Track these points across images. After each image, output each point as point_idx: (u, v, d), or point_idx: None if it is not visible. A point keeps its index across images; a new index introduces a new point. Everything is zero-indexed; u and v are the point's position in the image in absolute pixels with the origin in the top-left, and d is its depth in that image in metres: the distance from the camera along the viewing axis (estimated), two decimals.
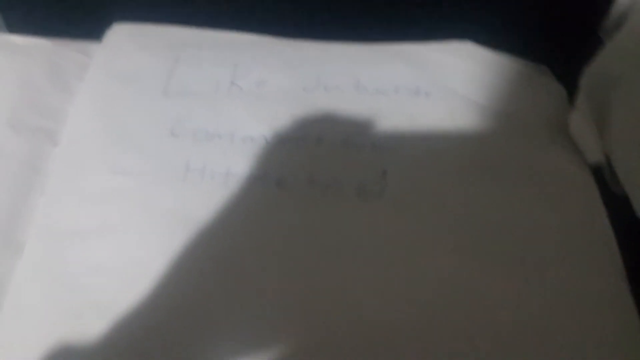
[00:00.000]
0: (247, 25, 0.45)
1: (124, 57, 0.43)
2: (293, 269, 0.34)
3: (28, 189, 0.38)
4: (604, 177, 0.36)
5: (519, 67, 0.42)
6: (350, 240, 0.34)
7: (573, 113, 0.38)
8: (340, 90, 0.41)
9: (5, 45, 0.43)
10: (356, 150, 0.38)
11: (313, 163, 0.37)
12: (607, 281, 0.32)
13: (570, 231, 0.34)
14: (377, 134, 0.39)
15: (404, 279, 0.33)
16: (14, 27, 0.46)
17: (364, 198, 0.36)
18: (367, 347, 0.31)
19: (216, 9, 0.45)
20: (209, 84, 0.42)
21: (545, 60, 0.43)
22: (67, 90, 0.42)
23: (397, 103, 0.40)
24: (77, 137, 0.39)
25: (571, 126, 0.38)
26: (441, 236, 0.34)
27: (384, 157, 0.37)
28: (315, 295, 0.33)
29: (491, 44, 0.43)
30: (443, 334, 0.31)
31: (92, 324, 0.32)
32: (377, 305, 0.32)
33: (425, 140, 0.38)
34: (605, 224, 0.34)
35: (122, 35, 0.44)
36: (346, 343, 0.31)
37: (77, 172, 0.38)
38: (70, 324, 0.32)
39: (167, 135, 0.39)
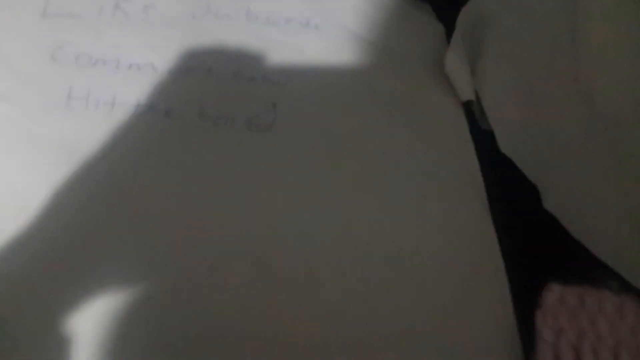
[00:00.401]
0: None
1: None
2: (180, 200, 0.34)
3: None
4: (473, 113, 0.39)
5: (403, 5, 0.44)
6: (240, 170, 0.35)
7: (448, 51, 0.41)
8: (231, 19, 0.41)
9: None
10: (247, 83, 0.38)
11: (203, 95, 0.38)
12: (471, 208, 0.36)
13: (442, 164, 0.37)
14: (267, 67, 0.39)
15: (290, 207, 0.34)
16: None
17: (254, 129, 0.37)
18: (250, 275, 0.32)
19: None
20: (91, 6, 0.40)
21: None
22: None
23: (288, 35, 0.41)
24: None
25: (446, 64, 0.40)
26: (326, 166, 0.36)
27: (274, 90, 0.38)
28: (203, 225, 0.34)
29: None
30: (325, 262, 0.33)
31: None
32: (261, 235, 0.34)
33: (313, 73, 0.39)
34: (473, 157, 0.37)
35: None
36: (232, 270, 0.32)
37: None
38: None
39: (47, 60, 0.37)
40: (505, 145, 0.36)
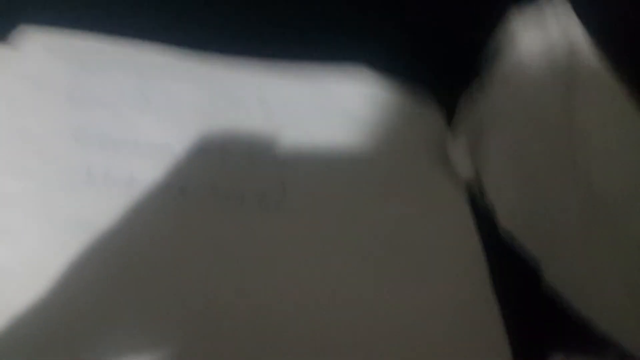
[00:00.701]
0: (153, 35, 0.46)
1: (30, 60, 0.43)
2: (192, 275, 0.35)
3: None
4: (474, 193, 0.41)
5: (405, 92, 0.47)
6: (250, 246, 0.37)
7: (450, 133, 0.43)
8: (244, 104, 0.44)
9: None
10: (258, 163, 0.41)
11: (216, 173, 0.40)
12: (473, 284, 0.37)
13: (444, 242, 0.39)
14: (277, 148, 0.42)
15: (299, 283, 0.36)
16: None
17: (264, 208, 0.38)
18: (259, 348, 0.33)
19: (124, 18, 0.46)
20: (114, 92, 0.43)
21: (430, 84, 0.47)
22: None
23: (298, 119, 0.44)
24: None
25: (448, 145, 0.42)
26: (333, 244, 0.38)
27: (283, 170, 0.40)
28: (213, 300, 0.35)
29: (381, 68, 0.47)
30: (332, 335, 0.34)
31: None
32: (269, 312, 0.35)
33: (321, 155, 0.42)
34: (473, 234, 0.39)
35: (29, 38, 0.44)
36: (241, 346, 0.33)
37: None
38: None
39: (69, 139, 0.40)
40: (505, 222, 0.38)
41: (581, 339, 0.32)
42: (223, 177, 0.40)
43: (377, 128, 0.44)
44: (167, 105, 0.43)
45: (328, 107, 0.45)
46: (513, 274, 0.36)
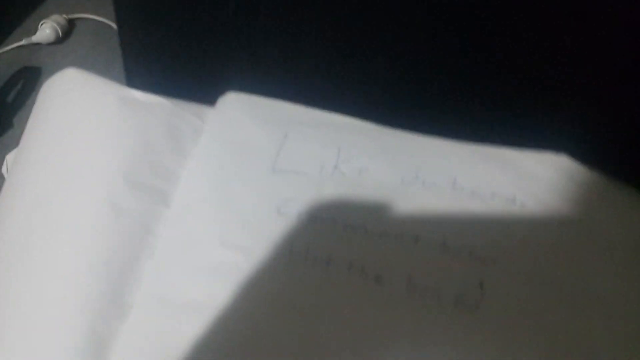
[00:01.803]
0: (352, 109, 0.47)
1: (236, 127, 0.45)
2: None
3: (139, 249, 0.40)
4: None
5: (612, 188, 0.44)
6: (445, 349, 0.36)
7: None
8: (438, 188, 0.43)
9: (127, 99, 0.46)
10: (454, 256, 0.40)
11: (411, 264, 0.39)
12: None
13: None
14: (474, 241, 0.40)
15: None
16: (133, 82, 0.48)
17: (461, 308, 0.37)
18: None
19: (324, 89, 0.48)
20: (314, 165, 0.44)
21: (637, 182, 0.44)
22: (181, 152, 0.44)
23: (494, 209, 0.42)
24: (189, 205, 0.41)
25: None
26: (534, 356, 0.36)
27: (481, 267, 0.39)
28: None
29: (584, 159, 0.45)
30: None
31: None
32: None
33: (521, 253, 0.40)
34: None
35: (235, 105, 0.47)
36: None
37: (188, 241, 0.40)
38: None
39: (274, 213, 0.41)
40: None
41: None
42: (418, 269, 0.39)
43: (581, 226, 0.41)
44: (362, 184, 0.43)
45: (526, 199, 0.43)
46: None
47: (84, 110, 0.45)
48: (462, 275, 0.39)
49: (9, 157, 0.59)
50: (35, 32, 0.77)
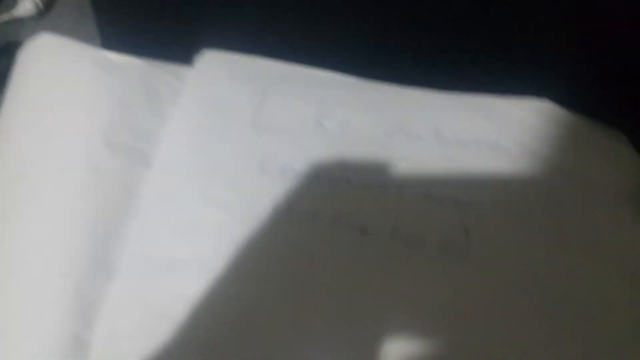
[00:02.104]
0: (330, 63, 0.47)
1: (215, 86, 0.45)
2: (366, 314, 0.35)
3: (122, 211, 0.39)
4: None
5: (596, 132, 0.43)
6: (430, 294, 0.36)
7: None
8: (420, 138, 0.43)
9: (103, 62, 0.45)
10: (438, 205, 0.39)
11: (396, 213, 0.39)
12: None
13: None
14: (458, 189, 0.40)
15: (486, 341, 0.34)
16: (109, 43, 0.47)
17: (446, 255, 0.37)
18: None
19: (303, 45, 0.47)
20: (295, 121, 0.43)
21: (622, 125, 0.44)
22: (159, 113, 0.44)
23: (478, 157, 0.42)
24: (169, 164, 0.41)
25: None
26: (523, 300, 0.36)
27: (465, 214, 0.39)
28: (384, 345, 0.34)
29: (568, 104, 0.44)
30: None
31: (180, 356, 0.34)
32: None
33: (506, 199, 0.40)
34: None
35: (213, 63, 0.46)
36: None
37: (169, 201, 0.39)
38: (160, 355, 0.34)
39: (256, 170, 0.41)
40: None
41: None
42: (403, 218, 0.39)
43: (566, 170, 0.41)
44: (345, 137, 0.43)
45: (510, 144, 0.42)
46: None
47: (60, 75, 0.45)
48: (446, 223, 0.39)
49: None
50: (14, 7, 0.76)
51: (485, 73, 0.46)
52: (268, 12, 0.46)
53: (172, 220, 0.39)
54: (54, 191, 0.39)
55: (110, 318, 0.35)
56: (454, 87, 0.45)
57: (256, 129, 0.43)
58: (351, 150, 0.42)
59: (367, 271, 0.37)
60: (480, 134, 0.43)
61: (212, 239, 0.38)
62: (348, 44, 0.46)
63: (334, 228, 0.38)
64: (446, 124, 0.43)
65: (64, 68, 0.45)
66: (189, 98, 0.44)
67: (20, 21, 0.76)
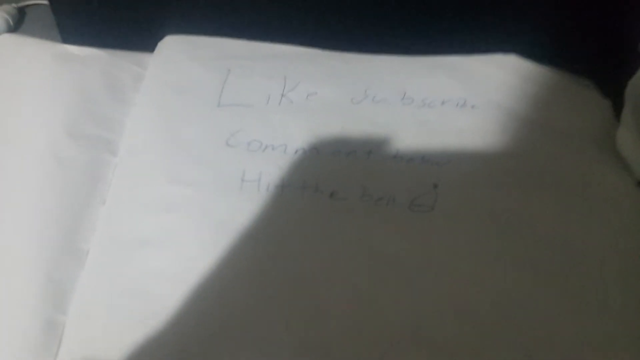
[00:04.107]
0: (294, 38, 0.46)
1: (178, 69, 0.44)
2: (346, 280, 0.35)
3: (89, 198, 0.39)
4: None
5: (563, 81, 0.43)
6: (404, 251, 0.35)
7: (619, 128, 0.39)
8: (388, 102, 0.43)
9: (62, 55, 0.45)
10: (406, 164, 0.39)
11: (365, 176, 0.38)
12: None
13: (617, 249, 0.35)
14: (426, 148, 0.40)
15: (456, 292, 0.34)
16: (68, 38, 0.47)
17: (416, 210, 0.37)
18: (417, 355, 0.32)
19: (264, 22, 0.46)
20: (260, 96, 0.43)
21: (590, 73, 0.43)
22: (123, 101, 0.43)
23: (444, 116, 0.41)
24: (135, 148, 0.41)
25: (618, 141, 0.38)
26: (492, 251, 0.35)
27: (434, 171, 0.38)
28: (367, 305, 0.34)
29: (534, 57, 0.44)
30: (496, 349, 0.32)
31: (154, 329, 0.33)
32: (428, 318, 0.33)
33: (473, 154, 0.39)
34: None
35: (175, 47, 0.46)
36: (397, 350, 0.32)
37: (136, 182, 0.39)
38: (134, 331, 0.33)
39: (222, 145, 0.40)
40: None
41: None
42: (372, 180, 0.38)
43: (534, 121, 0.41)
44: (311, 108, 0.42)
45: (478, 102, 0.42)
46: None
47: (22, 72, 0.44)
48: (415, 180, 0.38)
49: None
50: None
51: (451, 32, 0.45)
52: None
53: (141, 200, 0.38)
54: (18, 183, 0.39)
55: (83, 300, 0.35)
56: (420, 51, 0.45)
57: (221, 106, 0.42)
58: (318, 121, 0.42)
59: (339, 232, 0.36)
60: (447, 94, 0.43)
61: (182, 216, 0.37)
62: (311, 16, 0.46)
63: (304, 196, 0.38)
64: (413, 87, 0.43)
65: (25, 64, 0.45)
66: (152, 83, 0.44)
67: None
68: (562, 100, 0.42)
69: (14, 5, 0.79)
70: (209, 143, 0.40)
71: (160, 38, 0.46)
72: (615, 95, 0.41)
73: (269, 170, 0.39)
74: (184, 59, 0.45)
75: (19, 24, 0.79)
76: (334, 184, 0.38)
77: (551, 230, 0.35)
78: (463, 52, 0.45)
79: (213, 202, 0.38)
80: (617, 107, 0.41)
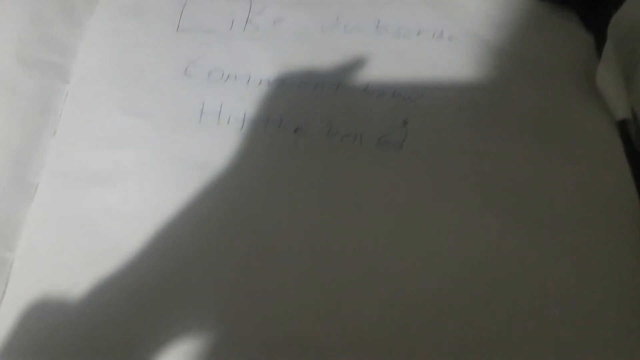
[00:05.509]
0: None
1: None
2: (308, 217, 0.33)
3: (39, 128, 0.37)
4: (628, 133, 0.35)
5: (544, 13, 0.40)
6: (368, 190, 0.34)
7: (600, 64, 0.37)
8: (360, 31, 0.40)
9: None
10: (376, 99, 0.37)
11: (332, 111, 0.36)
12: (630, 240, 0.32)
13: (592, 189, 0.34)
14: (398, 81, 0.37)
15: (422, 230, 0.33)
16: None
17: (383, 148, 0.35)
18: (382, 298, 0.31)
19: None
20: (223, 21, 0.40)
21: (573, 5, 0.41)
22: (76, 25, 0.40)
23: (420, 47, 0.39)
24: (88, 75, 0.38)
25: (597, 78, 0.37)
26: (460, 190, 0.34)
27: (404, 106, 0.36)
28: (327, 247, 0.33)
29: None
30: (461, 289, 0.31)
31: (106, 269, 0.32)
32: (394, 257, 0.32)
33: (447, 88, 0.37)
34: (629, 181, 0.34)
35: None
36: (362, 295, 0.31)
37: (89, 113, 0.37)
38: (85, 271, 0.32)
39: (181, 75, 0.38)
40: None
41: None
42: (339, 116, 0.36)
43: (513, 55, 0.38)
44: (278, 35, 0.40)
45: (455, 33, 0.39)
46: None
47: None
48: (385, 116, 0.36)
49: None
50: None
51: None
52: None
53: (93, 132, 0.36)
54: None
55: (31, 236, 0.33)
56: None
57: (180, 31, 0.40)
58: (285, 49, 0.39)
59: (302, 170, 0.35)
60: (423, 23, 0.40)
61: (133, 149, 0.35)
62: None
63: (267, 130, 0.36)
64: (388, 15, 0.40)
65: None
66: (106, 6, 0.41)
67: None
68: (543, 33, 0.39)
69: None
70: (166, 71, 0.38)
71: None
72: (599, 31, 0.39)
73: (230, 102, 0.37)
74: None
75: None
76: (299, 118, 0.36)
77: (524, 171, 0.34)
78: None
79: (170, 136, 0.36)
80: (601, 44, 0.38)
